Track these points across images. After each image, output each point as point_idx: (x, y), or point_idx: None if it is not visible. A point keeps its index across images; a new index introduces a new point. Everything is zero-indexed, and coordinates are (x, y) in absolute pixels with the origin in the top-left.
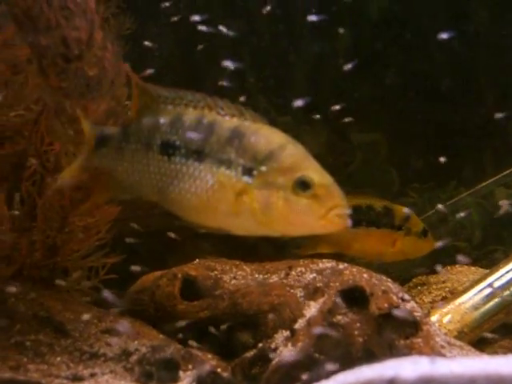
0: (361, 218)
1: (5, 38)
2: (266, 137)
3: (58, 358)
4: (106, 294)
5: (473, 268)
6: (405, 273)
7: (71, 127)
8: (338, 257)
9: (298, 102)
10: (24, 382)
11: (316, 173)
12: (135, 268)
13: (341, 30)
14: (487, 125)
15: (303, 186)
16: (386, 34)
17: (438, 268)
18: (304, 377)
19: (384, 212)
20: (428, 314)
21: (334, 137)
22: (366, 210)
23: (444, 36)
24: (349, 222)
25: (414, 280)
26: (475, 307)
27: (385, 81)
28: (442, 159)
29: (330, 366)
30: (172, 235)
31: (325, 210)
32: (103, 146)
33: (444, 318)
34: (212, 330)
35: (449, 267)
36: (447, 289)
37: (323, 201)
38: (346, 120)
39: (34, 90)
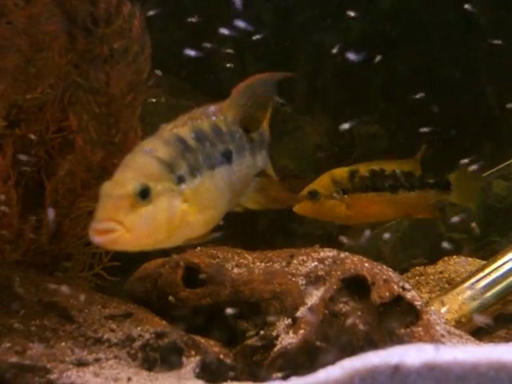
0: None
1: (31, 13)
2: None
3: (63, 343)
4: None
5: (470, 259)
6: (403, 263)
7: (94, 99)
8: (339, 246)
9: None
10: (29, 367)
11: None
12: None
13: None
14: (487, 117)
15: None
16: (393, 25)
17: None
18: (306, 364)
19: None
20: (427, 304)
21: (336, 128)
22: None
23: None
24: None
25: (412, 270)
26: (473, 298)
27: (388, 73)
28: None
29: (331, 354)
30: None
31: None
32: None
33: (442, 308)
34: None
35: (446, 258)
36: (445, 279)
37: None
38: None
39: (54, 71)
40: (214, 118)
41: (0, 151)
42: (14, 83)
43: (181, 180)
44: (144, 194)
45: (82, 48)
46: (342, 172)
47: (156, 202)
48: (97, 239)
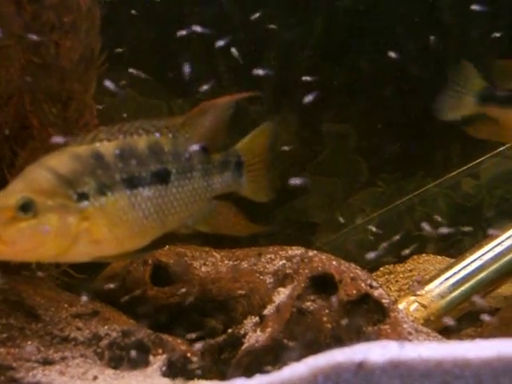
0: None
1: None
2: None
3: (29, 342)
4: None
5: (439, 257)
6: (372, 261)
7: (45, 73)
8: (308, 244)
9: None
10: None
11: None
12: None
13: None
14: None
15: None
16: (357, 22)
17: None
18: (273, 361)
19: None
20: (395, 302)
21: (304, 126)
22: None
23: None
24: None
25: (382, 269)
26: (441, 296)
27: (355, 71)
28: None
29: (298, 352)
30: None
31: None
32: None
33: (410, 306)
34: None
35: (415, 256)
36: (414, 278)
37: None
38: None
39: (16, 58)
40: (157, 135)
41: None
42: None
43: (82, 197)
44: (26, 208)
45: (29, 17)
46: None
47: (42, 217)
48: None
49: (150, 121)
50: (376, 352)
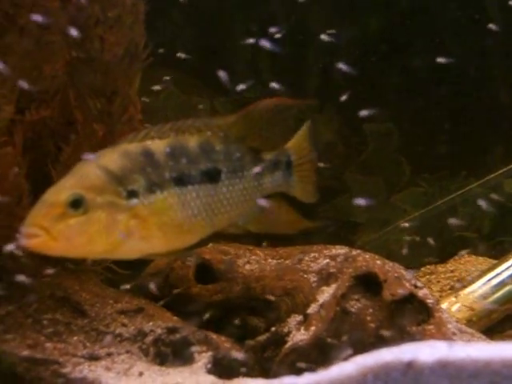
0: None
1: None
2: None
3: (75, 338)
4: None
5: (481, 258)
6: (414, 262)
7: (90, 67)
8: (349, 243)
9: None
10: (41, 361)
11: None
12: None
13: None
14: (498, 116)
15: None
16: (411, 22)
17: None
18: (317, 360)
19: None
20: (438, 302)
21: (346, 126)
22: None
23: None
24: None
25: (423, 269)
26: (484, 297)
27: (404, 71)
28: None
29: (342, 351)
30: None
31: None
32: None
33: (453, 306)
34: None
35: (457, 257)
36: (455, 278)
37: None
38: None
39: (61, 52)
40: (209, 133)
41: (9, 139)
42: (22, 66)
43: (132, 195)
44: (76, 205)
45: (73, 9)
46: None
47: (91, 213)
48: (22, 242)
49: (202, 119)
50: (425, 352)
